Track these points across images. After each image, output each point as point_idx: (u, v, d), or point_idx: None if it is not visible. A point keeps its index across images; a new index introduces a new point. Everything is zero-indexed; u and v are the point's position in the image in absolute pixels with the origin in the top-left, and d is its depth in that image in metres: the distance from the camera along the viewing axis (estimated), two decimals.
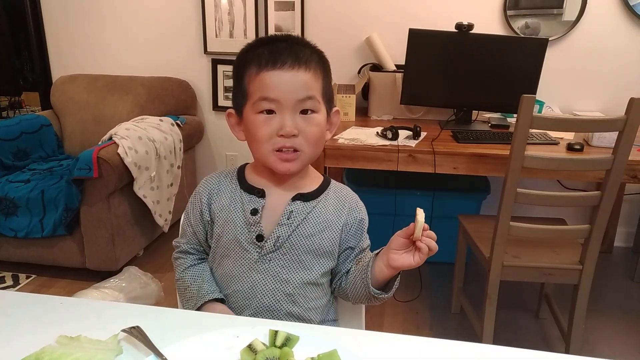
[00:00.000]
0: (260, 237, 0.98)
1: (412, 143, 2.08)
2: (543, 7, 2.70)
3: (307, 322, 1.02)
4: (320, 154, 1.02)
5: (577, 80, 2.75)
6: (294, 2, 2.82)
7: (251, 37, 2.93)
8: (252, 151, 0.99)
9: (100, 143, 2.39)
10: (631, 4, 2.58)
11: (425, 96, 2.45)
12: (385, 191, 2.54)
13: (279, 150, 0.93)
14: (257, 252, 0.99)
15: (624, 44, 2.66)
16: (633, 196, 2.88)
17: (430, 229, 0.88)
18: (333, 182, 1.08)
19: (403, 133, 2.16)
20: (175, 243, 1.12)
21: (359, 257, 1.06)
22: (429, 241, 0.88)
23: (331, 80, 1.01)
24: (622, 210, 2.87)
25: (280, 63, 0.90)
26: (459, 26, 2.33)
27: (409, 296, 2.40)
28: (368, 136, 2.16)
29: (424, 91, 2.43)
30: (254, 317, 0.99)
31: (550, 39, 2.52)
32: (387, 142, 2.08)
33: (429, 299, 2.42)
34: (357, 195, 1.09)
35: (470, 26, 2.32)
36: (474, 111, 2.47)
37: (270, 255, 0.99)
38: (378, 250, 0.99)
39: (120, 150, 2.31)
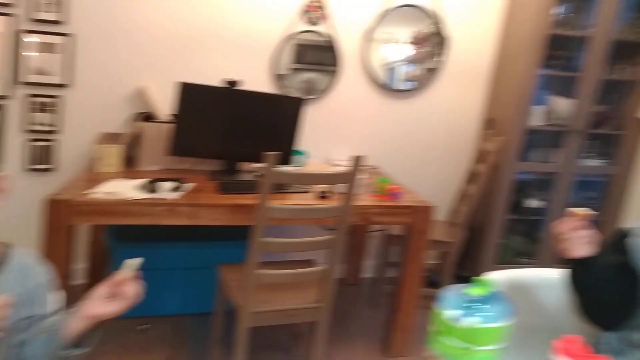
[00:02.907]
0: None
1: (173, 196, 2.09)
2: (319, 64, 2.98)
3: None
4: None
5: (334, 133, 3.12)
6: (58, 44, 2.65)
7: (7, 77, 2.66)
8: None
9: None
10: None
11: (195, 147, 2.50)
12: (150, 245, 2.50)
13: None
14: None
15: (370, 103, 3.13)
16: (376, 233, 3.28)
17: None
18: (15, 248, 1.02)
19: (166, 185, 2.16)
20: None
21: (40, 324, 1.01)
22: (134, 286, 0.92)
23: None
24: (369, 246, 3.30)
25: None
26: (227, 82, 2.47)
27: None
28: (129, 189, 2.12)
29: (194, 142, 2.48)
30: None
31: (312, 97, 2.81)
32: (147, 195, 2.06)
33: (192, 350, 2.38)
34: (36, 257, 1.05)
35: (237, 82, 2.48)
36: (244, 162, 2.60)
37: None
38: (71, 308, 0.97)
39: None
